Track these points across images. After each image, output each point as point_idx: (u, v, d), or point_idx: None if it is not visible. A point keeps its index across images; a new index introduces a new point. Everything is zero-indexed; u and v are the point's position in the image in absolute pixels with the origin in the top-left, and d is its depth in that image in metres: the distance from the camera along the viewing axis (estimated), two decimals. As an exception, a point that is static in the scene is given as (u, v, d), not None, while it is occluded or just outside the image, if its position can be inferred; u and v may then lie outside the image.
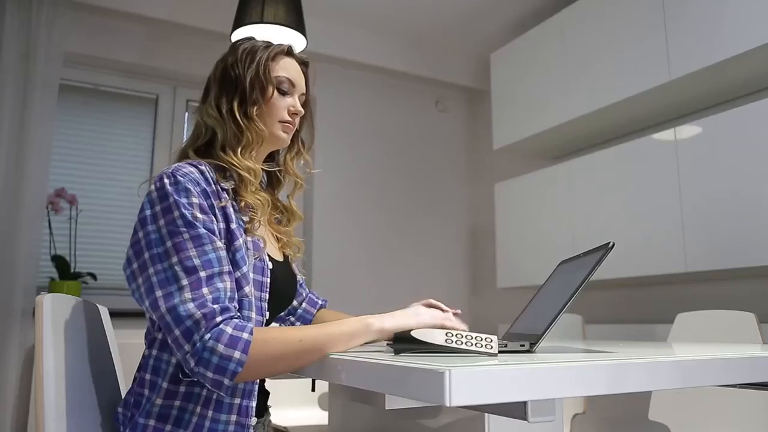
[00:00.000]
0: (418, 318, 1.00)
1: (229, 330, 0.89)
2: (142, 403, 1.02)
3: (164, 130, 3.18)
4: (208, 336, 0.89)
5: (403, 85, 3.82)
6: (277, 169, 1.28)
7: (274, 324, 1.26)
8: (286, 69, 1.20)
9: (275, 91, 1.17)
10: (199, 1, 3.06)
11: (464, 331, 1.02)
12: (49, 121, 2.70)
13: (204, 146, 1.16)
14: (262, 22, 2.17)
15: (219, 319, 0.90)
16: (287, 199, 1.29)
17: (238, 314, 0.95)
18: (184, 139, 1.22)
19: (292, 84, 1.20)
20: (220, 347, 0.88)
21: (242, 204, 1.11)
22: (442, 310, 1.18)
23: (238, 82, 1.15)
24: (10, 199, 2.59)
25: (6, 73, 2.62)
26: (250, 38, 1.23)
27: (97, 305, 1.28)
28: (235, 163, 1.11)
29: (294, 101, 1.20)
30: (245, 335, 0.90)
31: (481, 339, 0.82)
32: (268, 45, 1.20)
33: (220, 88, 1.17)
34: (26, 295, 2.54)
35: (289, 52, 1.22)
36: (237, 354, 0.88)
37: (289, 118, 1.19)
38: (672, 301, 2.66)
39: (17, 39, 2.67)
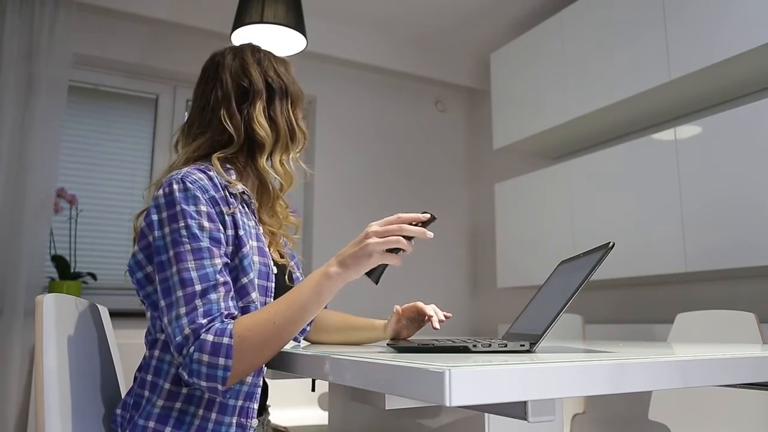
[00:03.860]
0: (372, 254, 0.95)
1: (210, 338, 0.91)
2: (142, 405, 1.02)
3: (164, 130, 3.18)
4: (192, 349, 0.91)
5: (403, 85, 3.82)
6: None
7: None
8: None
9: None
10: (199, 1, 3.06)
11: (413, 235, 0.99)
12: (56, 122, 2.70)
13: (236, 152, 1.16)
14: (262, 22, 2.17)
15: (203, 330, 0.92)
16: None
17: (223, 318, 0.94)
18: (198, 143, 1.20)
19: None
20: (205, 357, 0.90)
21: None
22: (428, 315, 1.23)
23: (285, 89, 1.20)
24: (16, 198, 2.59)
25: (8, 73, 2.62)
26: (257, 46, 1.26)
27: (97, 305, 1.28)
28: (287, 169, 1.17)
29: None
30: (225, 340, 0.91)
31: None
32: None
33: (268, 95, 1.18)
34: (29, 295, 2.55)
35: None
36: (222, 360, 0.90)
37: None
38: (672, 301, 2.66)
39: (19, 39, 2.67)
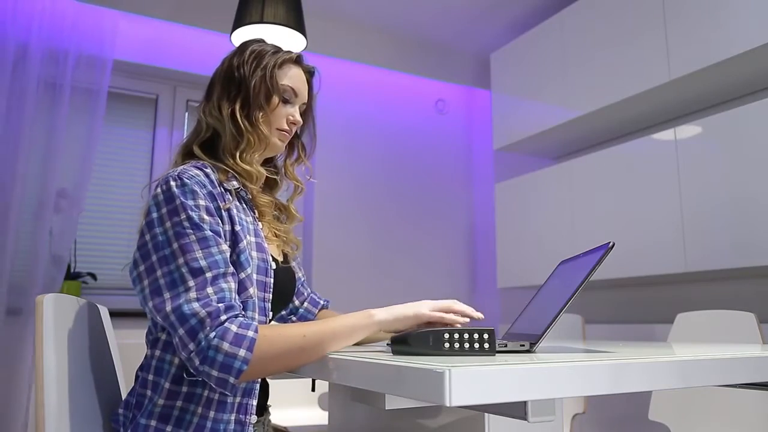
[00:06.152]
0: (418, 310, 0.99)
1: (234, 328, 0.90)
2: (143, 404, 1.02)
3: (164, 130, 3.18)
4: (212, 335, 0.89)
5: (403, 85, 3.82)
6: (276, 173, 1.29)
7: (274, 323, 1.27)
8: (292, 78, 1.20)
9: (280, 98, 1.18)
10: (199, 1, 3.06)
11: (463, 324, 1.02)
12: (84, 125, 2.77)
13: (209, 143, 1.16)
14: (262, 22, 2.17)
15: (224, 317, 0.91)
16: (287, 203, 1.30)
17: (243, 313, 0.96)
18: (185, 139, 1.23)
19: (294, 93, 1.21)
20: (225, 345, 0.88)
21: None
22: (470, 316, 1.08)
23: (242, 84, 1.16)
24: (39, 199, 2.64)
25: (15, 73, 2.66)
26: (260, 41, 1.23)
27: (97, 305, 1.28)
28: (231, 165, 1.12)
29: (294, 111, 1.22)
30: (250, 333, 0.90)
31: (476, 337, 0.81)
32: (276, 50, 1.21)
33: (223, 87, 1.17)
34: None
35: (297, 60, 1.23)
36: (242, 352, 0.88)
37: (287, 128, 1.21)
38: (672, 301, 2.66)
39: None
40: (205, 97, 1.20)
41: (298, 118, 1.22)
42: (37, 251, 2.58)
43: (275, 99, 1.17)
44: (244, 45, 1.21)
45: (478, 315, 1.06)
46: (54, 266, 2.62)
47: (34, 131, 2.65)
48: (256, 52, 1.18)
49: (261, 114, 1.16)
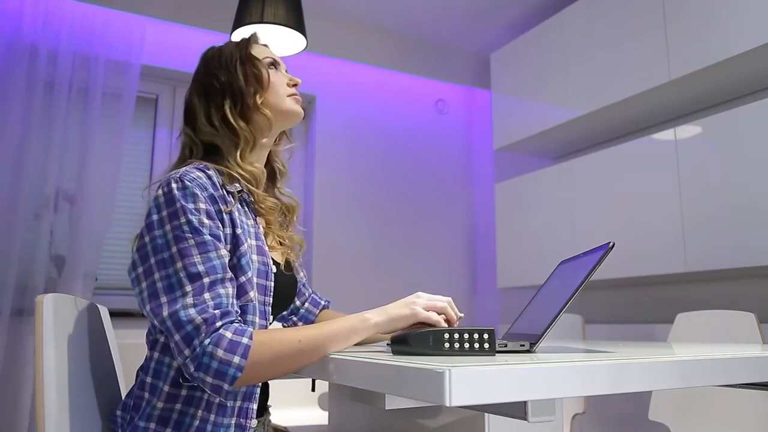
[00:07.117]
0: (413, 308, 0.97)
1: (228, 335, 0.89)
2: (142, 407, 1.01)
3: (164, 130, 3.18)
4: (207, 341, 0.89)
5: (403, 85, 3.82)
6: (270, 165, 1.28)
7: (276, 324, 1.26)
8: (263, 52, 1.22)
9: (268, 70, 1.19)
10: (199, 1, 3.06)
11: (460, 323, 1.02)
12: (120, 128, 2.86)
13: (204, 155, 1.15)
14: (262, 22, 2.17)
15: (219, 323, 0.90)
16: (276, 188, 1.28)
17: (239, 319, 0.95)
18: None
19: (276, 61, 1.23)
20: (220, 352, 0.88)
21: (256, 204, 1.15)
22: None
23: (226, 85, 1.15)
24: (75, 199, 2.71)
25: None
26: (212, 47, 1.24)
27: (97, 305, 1.28)
28: (233, 170, 1.12)
29: (287, 74, 1.23)
30: (245, 340, 0.89)
31: (476, 337, 0.81)
32: (234, 42, 1.22)
33: (206, 102, 1.16)
34: (84, 295, 2.62)
35: (255, 39, 1.25)
36: (236, 359, 0.88)
37: (293, 90, 1.21)
38: (672, 301, 2.66)
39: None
40: (187, 124, 1.18)
41: (296, 78, 1.23)
42: (69, 252, 2.64)
43: (264, 72, 1.18)
44: (205, 57, 1.21)
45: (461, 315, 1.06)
46: (83, 267, 2.67)
47: (67, 135, 2.72)
48: (221, 52, 1.19)
49: (258, 96, 1.16)
